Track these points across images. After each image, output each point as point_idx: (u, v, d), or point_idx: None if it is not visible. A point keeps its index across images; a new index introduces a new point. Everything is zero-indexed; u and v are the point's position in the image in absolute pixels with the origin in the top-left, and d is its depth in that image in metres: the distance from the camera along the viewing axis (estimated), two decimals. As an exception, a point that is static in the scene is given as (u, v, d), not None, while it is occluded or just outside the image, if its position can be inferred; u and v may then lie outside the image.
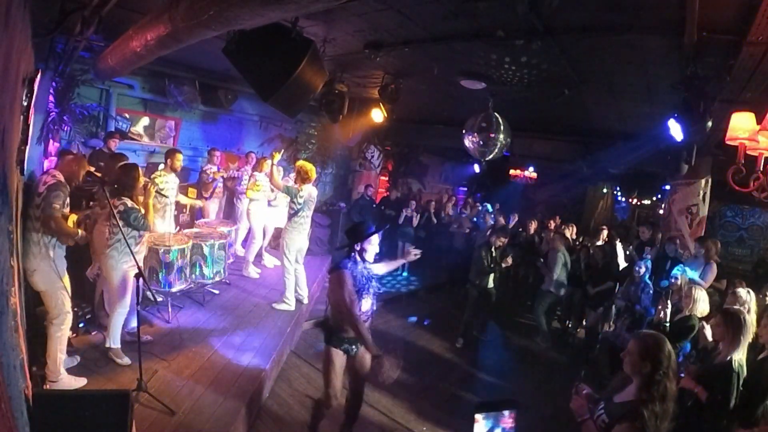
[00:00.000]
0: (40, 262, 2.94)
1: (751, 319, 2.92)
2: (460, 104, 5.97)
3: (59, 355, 3.06)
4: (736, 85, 3.30)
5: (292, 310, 5.16)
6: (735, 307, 3.12)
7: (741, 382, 2.67)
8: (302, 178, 5.06)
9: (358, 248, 3.02)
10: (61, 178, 3.06)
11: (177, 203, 5.32)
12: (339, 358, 3.01)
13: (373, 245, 3.08)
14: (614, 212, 14.73)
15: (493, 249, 5.72)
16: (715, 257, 5.10)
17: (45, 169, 3.54)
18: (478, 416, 1.52)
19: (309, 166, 5.13)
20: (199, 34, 2.43)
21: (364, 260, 3.05)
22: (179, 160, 4.88)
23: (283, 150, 5.53)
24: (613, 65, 3.80)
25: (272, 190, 6.41)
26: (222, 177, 6.53)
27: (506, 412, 1.55)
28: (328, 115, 5.55)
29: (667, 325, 3.80)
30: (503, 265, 5.79)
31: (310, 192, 5.14)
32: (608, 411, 1.92)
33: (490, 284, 5.84)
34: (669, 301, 4.01)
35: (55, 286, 3.02)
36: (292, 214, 5.10)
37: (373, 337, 2.90)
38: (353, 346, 3.02)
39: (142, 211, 3.52)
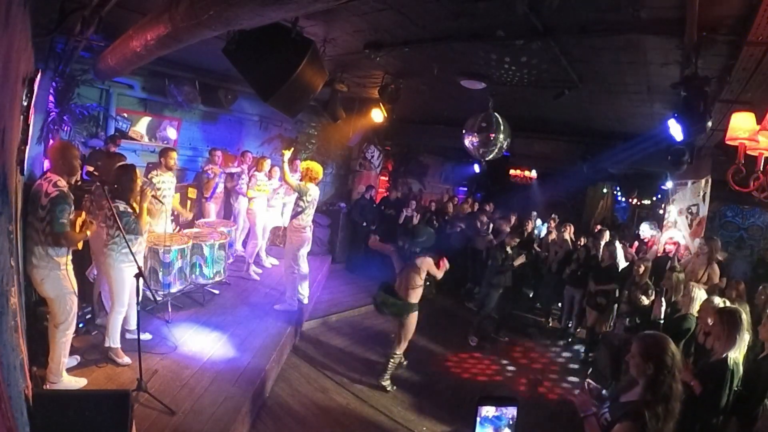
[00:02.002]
0: (49, 272, 2.89)
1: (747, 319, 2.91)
2: (460, 104, 5.96)
3: (63, 360, 3.04)
4: (736, 85, 3.30)
5: (292, 310, 5.16)
6: (732, 305, 3.12)
7: (736, 380, 2.68)
8: (310, 177, 5.06)
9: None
10: (62, 184, 2.90)
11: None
12: None
13: None
14: (614, 212, 14.70)
15: (508, 249, 5.83)
16: (716, 257, 5.11)
17: (44, 170, 3.51)
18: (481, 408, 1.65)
19: (317, 166, 5.13)
20: (199, 34, 2.43)
21: None
22: (173, 159, 4.85)
23: (292, 149, 5.47)
24: (613, 65, 3.80)
25: (273, 190, 6.42)
26: (222, 174, 6.53)
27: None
28: (328, 115, 5.55)
29: (661, 322, 3.79)
30: (515, 264, 5.86)
31: (315, 192, 5.14)
32: (612, 410, 1.92)
33: (508, 283, 5.93)
34: (663, 299, 4.00)
35: (65, 292, 2.97)
36: (299, 212, 5.05)
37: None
38: None
39: (135, 215, 3.50)
